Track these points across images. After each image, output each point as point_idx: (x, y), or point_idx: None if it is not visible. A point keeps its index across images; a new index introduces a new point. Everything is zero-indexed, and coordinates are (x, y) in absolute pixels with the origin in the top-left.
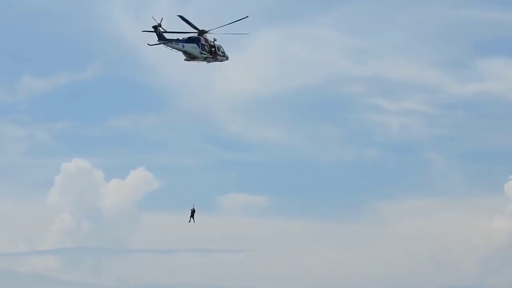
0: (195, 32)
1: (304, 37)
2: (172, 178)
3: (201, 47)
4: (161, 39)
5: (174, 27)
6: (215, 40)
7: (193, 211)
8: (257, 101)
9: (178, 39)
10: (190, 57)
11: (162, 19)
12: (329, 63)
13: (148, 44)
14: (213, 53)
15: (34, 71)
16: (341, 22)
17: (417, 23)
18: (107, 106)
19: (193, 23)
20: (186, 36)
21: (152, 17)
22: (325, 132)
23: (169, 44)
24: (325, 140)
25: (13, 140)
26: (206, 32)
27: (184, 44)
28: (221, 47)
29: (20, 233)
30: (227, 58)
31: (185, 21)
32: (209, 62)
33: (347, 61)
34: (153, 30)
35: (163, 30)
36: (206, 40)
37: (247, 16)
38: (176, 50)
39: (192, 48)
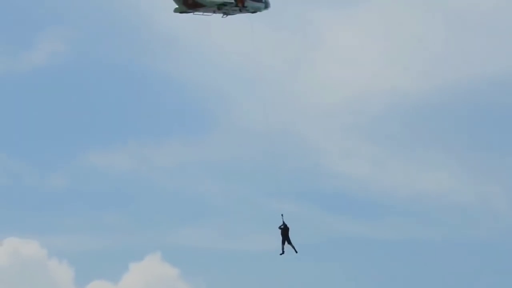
0: None
1: None
2: (217, 274)
3: None
4: None
5: None
6: None
7: (284, 229)
8: (398, 111)
9: None
10: (188, 3)
11: None
12: None
13: None
14: None
15: None
16: None
17: None
18: (76, 125)
19: None
20: None
21: None
22: None
23: None
24: None
25: None
26: None
27: None
28: None
29: None
30: (266, 6)
31: None
32: (228, 14)
33: None
34: None
35: None
36: None
37: None
38: None
39: None
